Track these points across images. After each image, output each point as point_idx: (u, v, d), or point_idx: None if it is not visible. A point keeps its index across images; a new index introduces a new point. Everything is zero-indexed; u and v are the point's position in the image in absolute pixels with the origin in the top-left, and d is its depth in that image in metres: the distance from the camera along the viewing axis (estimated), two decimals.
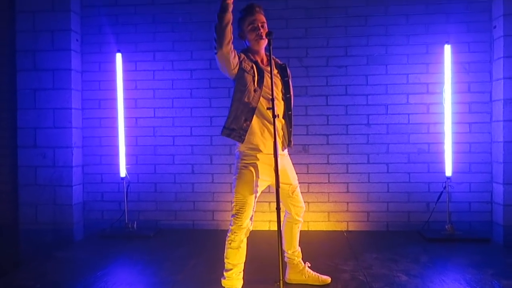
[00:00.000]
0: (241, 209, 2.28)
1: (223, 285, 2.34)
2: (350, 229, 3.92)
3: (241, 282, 2.36)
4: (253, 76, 2.28)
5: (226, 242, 2.31)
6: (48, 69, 3.91)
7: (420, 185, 3.85)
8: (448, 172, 3.64)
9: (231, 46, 2.14)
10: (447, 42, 3.70)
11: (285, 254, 2.56)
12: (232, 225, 2.29)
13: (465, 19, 3.82)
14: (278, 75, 2.41)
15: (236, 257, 2.29)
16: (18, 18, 3.93)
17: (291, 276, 2.57)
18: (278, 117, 2.23)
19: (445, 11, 3.84)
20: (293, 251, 2.56)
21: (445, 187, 3.65)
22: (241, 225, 2.27)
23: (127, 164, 3.92)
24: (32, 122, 3.91)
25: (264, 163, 2.29)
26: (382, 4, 3.91)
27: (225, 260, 2.32)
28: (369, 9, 3.92)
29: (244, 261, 2.34)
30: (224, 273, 2.33)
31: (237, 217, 2.27)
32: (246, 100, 2.26)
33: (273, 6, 3.96)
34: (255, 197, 2.30)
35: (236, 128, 2.28)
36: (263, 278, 2.60)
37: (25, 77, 3.92)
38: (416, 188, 3.85)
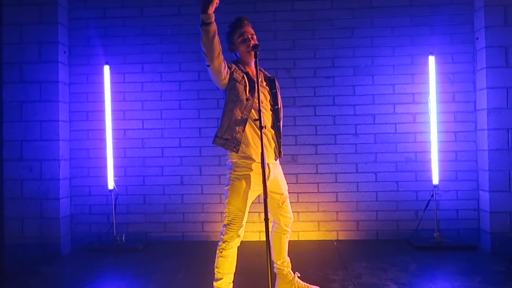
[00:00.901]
0: (233, 220, 2.29)
1: None
2: (340, 238, 3.93)
3: None
4: (245, 86, 2.29)
5: (217, 251, 2.31)
6: (35, 81, 3.87)
7: (408, 193, 3.89)
8: (435, 180, 3.68)
9: (221, 57, 2.15)
10: (431, 53, 3.77)
11: (274, 265, 2.55)
12: (223, 235, 2.29)
13: (449, 30, 3.91)
14: (267, 87, 2.43)
15: (226, 266, 2.29)
16: (5, 30, 3.90)
17: (281, 286, 2.56)
18: (265, 128, 2.25)
19: (429, 23, 3.93)
20: (282, 261, 2.55)
21: (432, 195, 3.69)
22: (233, 236, 2.28)
23: (115, 176, 3.89)
24: (18, 135, 3.86)
25: (257, 173, 2.28)
26: (368, 17, 3.98)
27: (215, 270, 2.31)
28: (355, 21, 3.99)
29: (234, 271, 2.33)
30: (214, 283, 2.32)
31: (229, 228, 2.28)
32: (239, 110, 2.27)
33: (261, 19, 4.01)
34: (247, 207, 2.31)
35: (230, 138, 2.28)
36: None
37: (11, 90, 3.88)
38: (404, 196, 3.89)
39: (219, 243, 2.30)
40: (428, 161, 3.78)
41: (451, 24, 3.91)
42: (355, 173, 3.93)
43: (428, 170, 3.77)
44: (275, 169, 2.42)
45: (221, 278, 2.30)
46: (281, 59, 4.02)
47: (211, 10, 2.05)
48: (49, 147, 3.85)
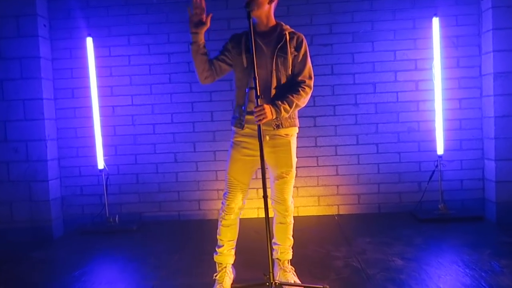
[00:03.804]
0: (229, 189, 2.24)
1: (215, 260, 2.32)
2: (341, 212, 3.81)
3: (232, 258, 2.34)
4: (242, 56, 2.17)
5: (219, 219, 2.29)
6: (15, 57, 3.64)
7: (411, 164, 3.75)
8: (440, 150, 3.53)
9: (208, 76, 2.22)
10: (435, 15, 3.55)
11: (274, 251, 2.33)
12: (223, 204, 2.27)
13: None
14: (269, 47, 2.17)
15: (227, 234, 2.29)
16: None
17: (279, 273, 2.33)
18: (261, 97, 2.08)
19: None
20: (282, 250, 2.34)
21: (436, 166, 3.55)
22: (230, 205, 2.23)
23: (105, 155, 3.72)
24: (1, 115, 3.66)
25: (249, 139, 2.19)
26: None
27: (217, 237, 2.31)
28: None
29: (236, 238, 2.32)
30: (216, 249, 2.32)
31: (227, 197, 2.25)
32: (240, 83, 2.21)
33: None
34: (247, 176, 2.23)
35: (238, 115, 2.22)
36: (251, 272, 2.44)
37: None
38: (407, 168, 3.75)
39: (220, 211, 2.29)
40: (431, 131, 3.62)
41: None
42: (355, 145, 3.78)
43: (432, 140, 3.61)
44: (275, 140, 2.20)
45: (223, 245, 2.29)
46: None
47: (193, 29, 2.12)
48: (34, 127, 3.66)
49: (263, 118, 2.05)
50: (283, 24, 2.25)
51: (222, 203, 2.27)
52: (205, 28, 2.13)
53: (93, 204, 3.85)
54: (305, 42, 2.22)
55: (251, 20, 2.05)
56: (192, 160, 3.84)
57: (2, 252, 3.26)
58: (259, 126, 2.05)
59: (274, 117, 2.10)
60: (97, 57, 3.74)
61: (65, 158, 3.88)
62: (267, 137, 2.18)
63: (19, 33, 3.64)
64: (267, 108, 2.06)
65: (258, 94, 2.04)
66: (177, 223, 3.79)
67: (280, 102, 2.10)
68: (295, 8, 3.78)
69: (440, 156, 3.54)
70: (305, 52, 2.20)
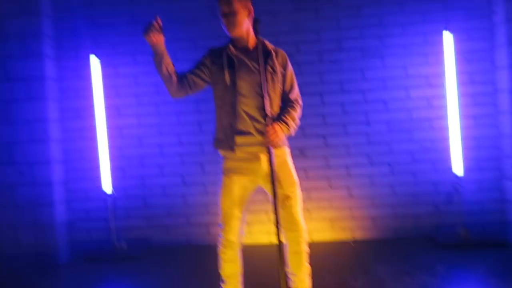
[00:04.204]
0: (225, 221, 2.08)
1: None
2: (356, 237, 3.67)
3: None
4: (225, 73, 2.06)
5: (218, 252, 2.13)
6: (21, 78, 3.58)
7: (427, 185, 3.63)
8: (457, 170, 3.41)
9: (179, 90, 2.10)
10: (446, 29, 3.46)
11: (289, 280, 2.17)
12: (220, 237, 2.11)
13: (464, 5, 3.61)
14: (254, 65, 2.08)
15: (229, 269, 2.13)
16: None
17: None
18: (268, 117, 1.99)
19: None
20: (299, 280, 2.18)
21: (454, 187, 3.43)
22: (229, 239, 2.08)
23: (112, 177, 3.64)
24: (6, 137, 3.59)
25: (241, 163, 2.07)
26: None
27: (220, 272, 2.15)
28: None
29: (240, 272, 2.17)
30: (222, 285, 2.17)
31: (223, 229, 2.09)
32: (222, 102, 2.08)
33: (259, 0, 3.68)
34: (243, 205, 2.10)
35: (224, 138, 2.07)
36: None
37: None
38: (423, 189, 3.63)
39: (218, 245, 2.12)
40: (446, 149, 3.51)
41: None
42: (368, 165, 3.67)
43: (448, 159, 3.50)
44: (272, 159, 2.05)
45: (227, 282, 2.15)
46: (282, 43, 3.62)
47: (147, 37, 1.95)
48: (39, 149, 3.59)
49: (276, 138, 1.97)
50: (264, 40, 2.16)
51: (219, 235, 2.11)
52: (163, 38, 2.01)
53: (100, 228, 3.75)
54: (288, 59, 2.18)
55: (258, 36, 1.99)
56: (201, 182, 3.75)
57: (6, 279, 3.17)
58: (269, 148, 1.94)
59: (285, 134, 2.04)
60: (103, 76, 3.67)
61: (71, 181, 3.79)
62: (263, 162, 2.06)
63: (25, 53, 3.59)
64: (277, 126, 1.98)
65: (267, 114, 1.95)
66: (185, 248, 3.67)
67: (285, 118, 2.05)
68: (302, 24, 3.71)
69: (457, 177, 3.42)
70: (291, 69, 2.18)
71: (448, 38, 3.45)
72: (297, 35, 3.72)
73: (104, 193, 3.60)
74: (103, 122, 3.62)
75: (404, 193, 3.64)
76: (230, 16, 2.02)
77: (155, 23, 1.95)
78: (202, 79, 2.13)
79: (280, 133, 2.00)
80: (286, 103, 2.14)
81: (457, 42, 3.53)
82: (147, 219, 3.77)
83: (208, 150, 3.72)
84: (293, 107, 2.12)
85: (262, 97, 1.95)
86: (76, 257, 3.64)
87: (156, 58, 2.04)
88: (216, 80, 2.10)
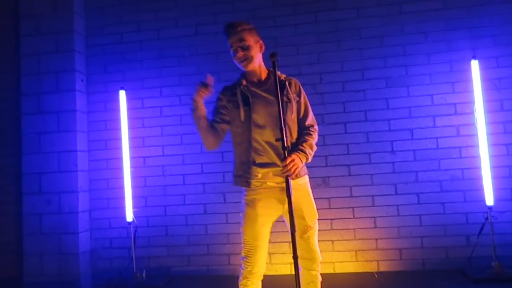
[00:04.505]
0: (249, 252, 2.04)
1: None
2: (381, 269, 3.51)
3: None
4: (240, 110, 2.07)
5: (239, 285, 2.07)
6: (53, 111, 3.78)
7: (457, 216, 3.45)
8: (489, 200, 3.23)
9: (215, 142, 2.15)
10: (474, 58, 3.40)
11: None
12: (243, 269, 2.06)
13: (490, 32, 3.55)
14: (270, 96, 2.09)
15: None
16: (23, 62, 3.86)
17: None
18: (288, 148, 1.96)
19: (468, 26, 3.58)
20: None
21: (486, 218, 3.24)
22: (251, 270, 2.03)
23: (135, 206, 3.68)
24: (36, 167, 3.75)
25: (267, 195, 2.05)
26: (397, 23, 3.68)
27: None
28: (384, 29, 3.69)
29: None
30: None
31: (246, 261, 2.05)
32: (240, 139, 2.08)
33: (282, 33, 3.78)
34: (267, 235, 2.06)
35: (243, 173, 2.07)
36: None
37: (30, 121, 3.80)
38: (453, 220, 3.45)
39: (240, 278, 2.07)
40: (477, 179, 3.35)
41: (492, 25, 3.55)
42: (394, 195, 3.54)
43: (478, 189, 3.33)
44: (296, 192, 2.03)
45: None
46: (305, 75, 3.73)
47: (196, 97, 2.03)
48: (67, 178, 3.71)
49: (296, 168, 1.94)
50: (276, 70, 2.16)
51: (241, 267, 2.07)
52: (208, 95, 2.06)
53: (122, 257, 3.76)
54: (302, 87, 2.20)
55: (276, 70, 1.99)
56: (222, 211, 3.72)
57: None
58: (288, 179, 1.90)
59: (304, 163, 2.02)
60: (130, 108, 3.80)
61: (96, 210, 3.86)
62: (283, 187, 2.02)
63: (58, 88, 3.80)
64: (295, 157, 1.96)
65: (286, 145, 1.92)
66: (205, 278, 3.61)
67: (302, 147, 2.03)
68: (326, 55, 3.75)
69: (490, 207, 3.23)
70: (305, 96, 2.19)
71: (475, 66, 3.38)
72: (320, 66, 3.75)
73: (126, 222, 3.63)
74: (128, 152, 3.70)
75: (432, 223, 3.47)
76: (244, 51, 2.07)
77: (208, 85, 2.02)
78: (227, 122, 2.14)
79: (298, 163, 1.97)
80: (302, 130, 2.14)
81: (485, 69, 3.46)
82: (168, 248, 3.75)
83: (230, 179, 3.71)
84: (310, 133, 2.11)
85: (280, 127, 1.94)
86: (97, 286, 3.64)
87: (195, 114, 2.07)
88: (233, 117, 2.11)
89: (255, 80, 2.14)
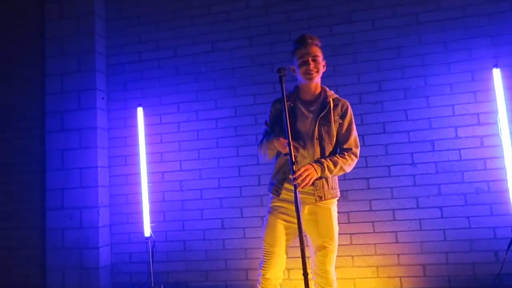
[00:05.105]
0: (265, 258, 2.09)
1: None
2: (404, 286, 3.38)
3: None
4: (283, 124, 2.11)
5: None
6: (75, 128, 3.89)
7: (484, 231, 3.29)
8: None
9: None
10: (496, 66, 3.29)
11: None
12: (259, 276, 2.11)
13: (511, 39, 3.44)
14: (310, 114, 2.15)
15: None
16: (47, 81, 4.01)
17: None
18: (296, 164, 1.95)
19: (489, 34, 3.48)
20: None
21: None
22: (264, 275, 2.06)
23: (153, 221, 3.71)
24: (59, 183, 3.85)
25: (290, 206, 2.08)
26: (415, 33, 3.62)
27: None
28: (401, 40, 3.64)
29: None
30: None
31: (262, 266, 2.10)
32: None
33: None
34: (284, 244, 2.08)
35: (275, 182, 2.15)
36: None
37: (53, 138, 3.92)
38: (480, 234, 3.30)
39: (257, 284, 2.12)
40: (504, 191, 3.21)
41: None
42: (416, 208, 3.43)
43: (506, 202, 3.18)
44: (315, 207, 2.09)
45: None
46: None
47: (284, 150, 2.05)
48: (88, 194, 3.79)
49: (310, 178, 1.92)
50: (327, 90, 2.21)
51: (259, 274, 2.12)
52: None
53: (141, 272, 3.79)
54: (350, 110, 2.19)
55: (283, 85, 2.00)
56: (240, 226, 3.70)
57: None
58: (296, 193, 1.89)
59: (319, 175, 1.99)
60: (148, 125, 3.88)
61: (116, 225, 3.92)
62: (306, 209, 2.04)
63: (80, 106, 3.91)
64: (309, 167, 1.94)
65: (293, 160, 1.93)
66: None
67: (323, 160, 2.02)
68: (342, 68, 3.72)
69: None
70: (351, 119, 2.17)
71: (497, 75, 3.27)
72: (336, 79, 3.72)
73: (145, 236, 3.65)
74: (145, 167, 3.75)
75: (457, 238, 3.32)
76: (316, 61, 2.12)
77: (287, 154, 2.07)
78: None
79: (312, 172, 1.95)
80: (340, 152, 2.16)
81: (508, 78, 3.35)
82: (186, 263, 3.75)
83: (247, 194, 3.70)
84: (343, 155, 2.11)
85: (288, 142, 1.96)
86: None
87: (270, 146, 2.13)
88: (281, 126, 2.16)
89: (306, 96, 2.19)
